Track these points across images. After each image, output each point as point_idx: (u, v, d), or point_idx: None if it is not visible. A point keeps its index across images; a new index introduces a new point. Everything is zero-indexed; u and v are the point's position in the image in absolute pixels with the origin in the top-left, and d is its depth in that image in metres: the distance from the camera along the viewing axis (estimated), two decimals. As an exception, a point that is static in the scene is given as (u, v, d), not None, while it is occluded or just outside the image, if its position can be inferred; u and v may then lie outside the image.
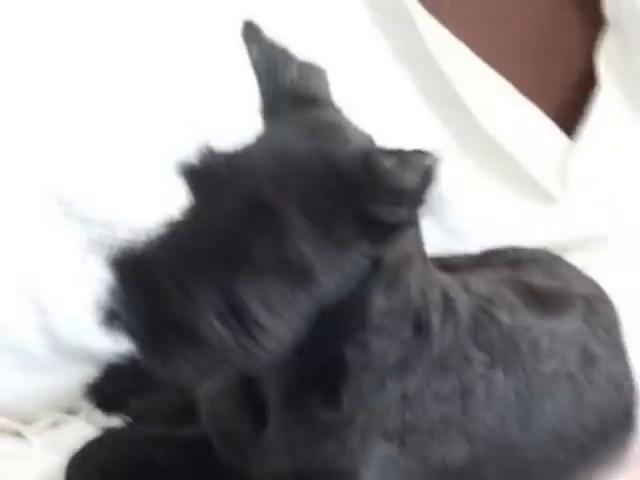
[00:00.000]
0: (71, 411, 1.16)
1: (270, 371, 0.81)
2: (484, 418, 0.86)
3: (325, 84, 0.82)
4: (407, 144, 0.69)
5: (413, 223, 0.77)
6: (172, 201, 0.72)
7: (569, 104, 1.60)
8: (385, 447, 0.81)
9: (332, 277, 0.71)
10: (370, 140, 0.77)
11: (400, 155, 0.68)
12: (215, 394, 0.91)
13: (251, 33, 0.82)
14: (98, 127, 1.18)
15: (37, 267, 1.14)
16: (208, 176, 0.72)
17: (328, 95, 0.81)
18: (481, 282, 0.95)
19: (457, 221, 1.40)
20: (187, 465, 0.92)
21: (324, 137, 0.73)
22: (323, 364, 0.80)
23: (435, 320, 0.83)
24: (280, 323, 0.70)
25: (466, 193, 1.41)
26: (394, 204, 0.69)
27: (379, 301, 0.78)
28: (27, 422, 1.13)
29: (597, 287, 1.07)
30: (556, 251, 1.22)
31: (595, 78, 1.57)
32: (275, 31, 0.82)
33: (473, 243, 1.30)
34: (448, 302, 0.85)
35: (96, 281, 0.69)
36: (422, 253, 0.82)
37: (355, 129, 0.77)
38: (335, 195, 0.70)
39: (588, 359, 0.94)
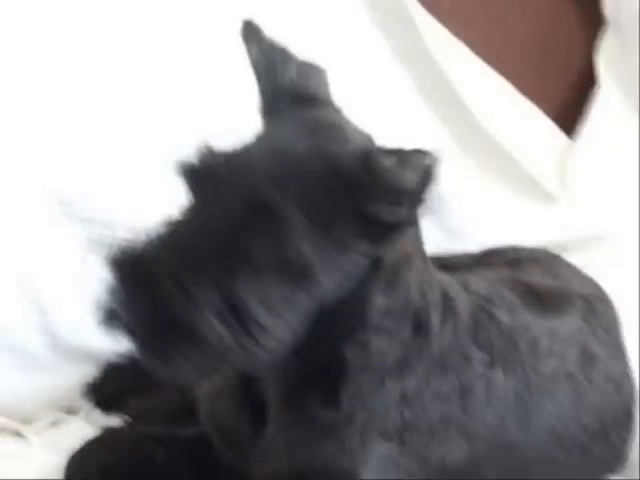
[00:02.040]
0: (70, 411, 1.16)
1: (270, 371, 0.81)
2: (483, 417, 0.86)
3: (325, 84, 0.82)
4: (407, 144, 0.69)
5: (413, 223, 0.77)
6: (172, 201, 0.72)
7: (569, 104, 1.60)
8: (384, 446, 0.82)
9: (332, 277, 0.71)
10: (370, 140, 0.77)
11: (400, 155, 0.68)
12: (214, 394, 0.91)
13: (251, 33, 0.82)
14: (98, 127, 1.17)
15: (37, 267, 1.14)
16: (207, 176, 0.72)
17: (328, 95, 0.81)
18: (480, 282, 0.95)
19: (457, 221, 1.40)
20: (186, 464, 0.92)
21: (324, 137, 0.73)
22: (323, 364, 0.80)
23: (435, 320, 0.83)
24: (280, 323, 0.70)
25: (466, 193, 1.41)
26: (394, 204, 0.69)
27: (379, 301, 0.78)
28: (27, 421, 1.13)
29: (597, 286, 1.07)
30: (556, 251, 1.21)
31: (595, 78, 1.57)
32: (275, 31, 0.82)
33: (473, 243, 1.30)
34: (448, 302, 0.85)
35: (96, 281, 0.69)
36: (422, 253, 0.82)
37: (355, 129, 0.77)
38: (335, 195, 0.70)
39: (588, 359, 0.94)
